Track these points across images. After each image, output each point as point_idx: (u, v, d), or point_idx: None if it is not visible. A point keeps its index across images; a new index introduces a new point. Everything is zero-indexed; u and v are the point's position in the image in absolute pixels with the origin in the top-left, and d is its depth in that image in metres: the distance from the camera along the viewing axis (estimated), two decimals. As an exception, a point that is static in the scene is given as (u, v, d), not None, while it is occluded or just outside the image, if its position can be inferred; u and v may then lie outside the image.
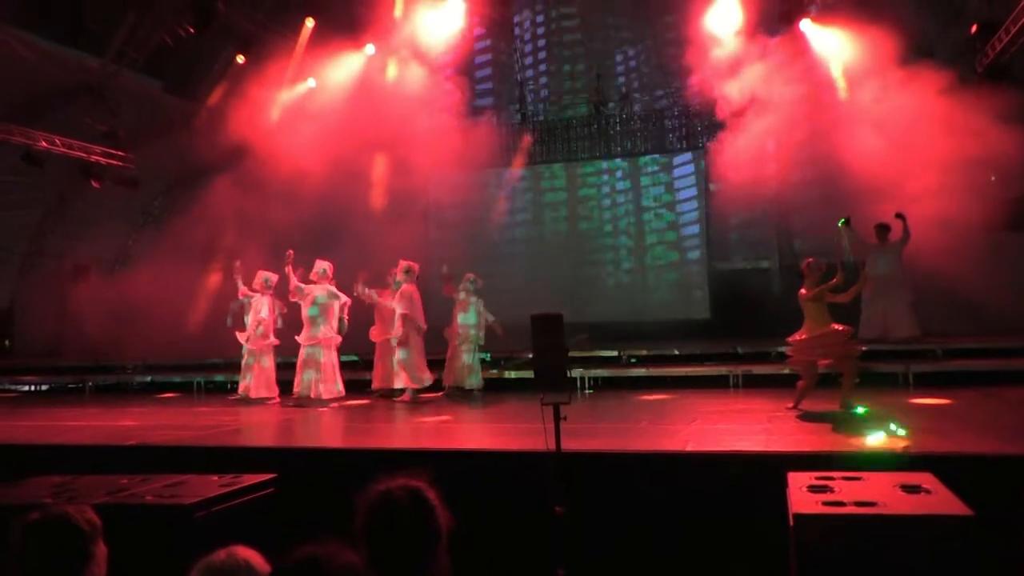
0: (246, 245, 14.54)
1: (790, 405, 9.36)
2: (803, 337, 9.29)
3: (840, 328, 9.18)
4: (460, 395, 12.27)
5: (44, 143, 14.95)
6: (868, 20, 14.37)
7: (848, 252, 11.69)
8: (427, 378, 12.23)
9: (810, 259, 9.58)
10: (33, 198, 16.60)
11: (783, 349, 10.06)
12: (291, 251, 12.05)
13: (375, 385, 12.61)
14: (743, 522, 6.04)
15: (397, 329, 12.06)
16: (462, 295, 12.49)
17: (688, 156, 16.94)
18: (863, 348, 10.00)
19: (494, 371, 13.07)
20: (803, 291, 9.35)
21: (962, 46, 13.38)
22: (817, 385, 9.53)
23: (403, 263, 12.25)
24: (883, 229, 12.78)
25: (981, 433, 7.80)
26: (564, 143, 17.92)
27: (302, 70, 16.18)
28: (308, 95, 16.42)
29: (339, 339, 12.13)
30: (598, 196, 17.63)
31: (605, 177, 17.75)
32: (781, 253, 15.92)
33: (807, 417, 8.94)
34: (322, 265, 12.21)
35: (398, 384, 12.20)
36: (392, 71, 15.87)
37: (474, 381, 12.32)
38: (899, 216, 12.61)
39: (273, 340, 12.59)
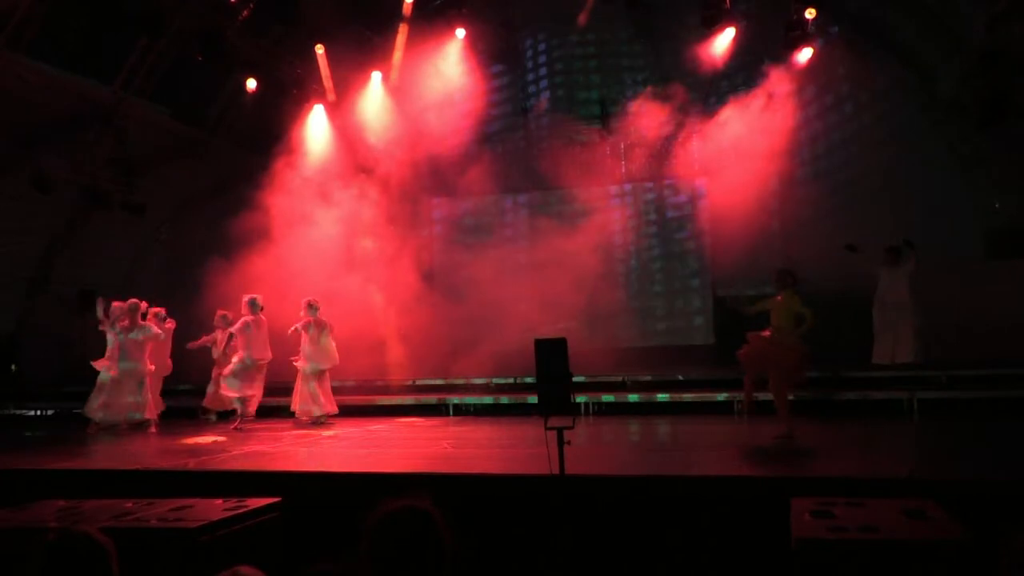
0: (251, 271, 14.59)
1: (744, 412, 9.27)
2: (767, 336, 9.20)
3: (802, 347, 9.12)
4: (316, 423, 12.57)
5: (52, 170, 15.03)
6: (870, 50, 14.50)
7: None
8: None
9: (782, 268, 9.59)
10: (40, 224, 16.66)
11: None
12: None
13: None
14: (746, 547, 6.04)
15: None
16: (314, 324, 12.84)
17: (692, 183, 17.00)
18: (807, 380, 9.83)
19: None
20: (778, 298, 9.32)
21: (965, 75, 13.44)
22: (809, 411, 9.50)
23: (246, 296, 12.76)
24: (892, 253, 12.77)
25: (983, 460, 7.80)
26: (569, 168, 17.97)
27: (309, 95, 16.31)
28: (315, 120, 16.53)
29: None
30: (602, 221, 17.66)
31: (609, 202, 17.81)
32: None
33: (810, 443, 8.93)
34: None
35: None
36: (398, 98, 15.97)
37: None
38: (908, 242, 12.61)
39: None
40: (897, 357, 12.61)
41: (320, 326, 12.72)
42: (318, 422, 12.55)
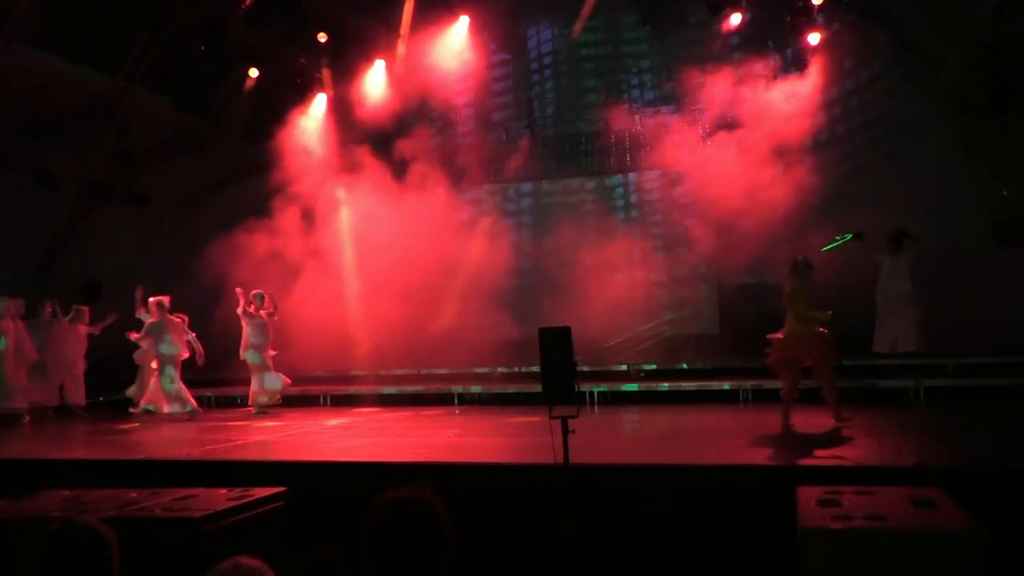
0: (255, 263, 14.59)
1: (785, 418, 9.18)
2: (783, 336, 9.14)
3: (823, 330, 9.06)
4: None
5: (55, 162, 14.99)
6: (875, 40, 14.43)
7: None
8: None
9: (799, 257, 9.52)
10: (43, 217, 16.63)
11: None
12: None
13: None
14: (752, 536, 6.02)
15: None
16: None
17: (697, 172, 16.87)
18: (843, 358, 9.76)
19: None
20: (788, 289, 9.23)
21: (969, 65, 13.36)
22: (809, 400, 9.45)
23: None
24: (893, 241, 12.70)
25: (991, 448, 7.77)
26: (574, 157, 17.93)
27: (312, 85, 16.28)
28: (318, 110, 16.50)
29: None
30: (608, 210, 17.62)
31: (615, 191, 17.77)
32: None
33: (816, 431, 8.90)
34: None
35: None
36: (402, 86, 15.91)
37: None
38: (903, 233, 12.53)
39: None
40: (899, 346, 12.53)
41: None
42: (263, 411, 12.91)
